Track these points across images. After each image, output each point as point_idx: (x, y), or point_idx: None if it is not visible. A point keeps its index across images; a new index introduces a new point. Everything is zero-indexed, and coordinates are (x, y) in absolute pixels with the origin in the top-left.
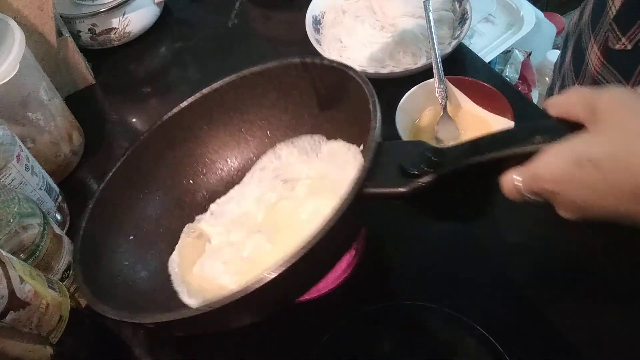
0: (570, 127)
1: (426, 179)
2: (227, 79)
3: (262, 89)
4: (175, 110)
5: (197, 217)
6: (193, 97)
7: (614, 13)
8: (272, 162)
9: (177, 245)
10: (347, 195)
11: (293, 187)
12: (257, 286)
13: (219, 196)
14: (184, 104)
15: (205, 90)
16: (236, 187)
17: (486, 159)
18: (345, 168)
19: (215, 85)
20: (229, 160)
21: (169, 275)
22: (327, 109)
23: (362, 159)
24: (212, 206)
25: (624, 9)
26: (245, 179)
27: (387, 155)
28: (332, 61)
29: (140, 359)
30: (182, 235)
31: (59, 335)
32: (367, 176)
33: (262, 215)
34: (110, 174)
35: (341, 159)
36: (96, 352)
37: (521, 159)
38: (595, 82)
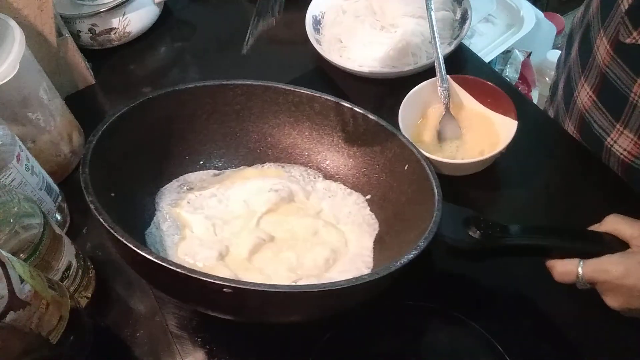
0: (617, 239)
1: (495, 244)
2: (247, 82)
3: (277, 108)
4: (185, 86)
5: (172, 201)
6: (207, 82)
7: (626, 7)
8: (256, 177)
9: (152, 221)
10: (427, 234)
11: (287, 204)
12: (299, 289)
13: (196, 188)
14: (199, 84)
15: (221, 82)
16: (217, 185)
17: (552, 245)
18: (343, 209)
19: (233, 82)
20: (212, 157)
21: (149, 250)
22: (335, 152)
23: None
24: (190, 195)
25: (637, 3)
26: (227, 181)
27: (449, 215)
28: (365, 114)
29: (140, 359)
30: (158, 214)
31: (59, 335)
32: (440, 222)
33: (255, 221)
34: (107, 125)
35: (340, 199)
36: (96, 352)
37: (575, 254)
38: (604, 75)
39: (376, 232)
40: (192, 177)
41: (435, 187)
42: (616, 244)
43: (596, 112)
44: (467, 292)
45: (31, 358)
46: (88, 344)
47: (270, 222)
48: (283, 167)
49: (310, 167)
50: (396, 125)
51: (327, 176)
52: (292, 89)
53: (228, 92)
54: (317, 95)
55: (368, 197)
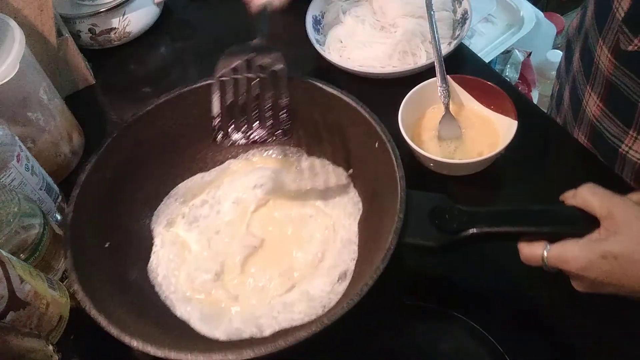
0: (586, 217)
1: (457, 237)
2: (207, 81)
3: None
4: (147, 108)
5: (166, 221)
6: (168, 95)
7: (622, 14)
8: (245, 168)
9: (152, 252)
10: (389, 245)
11: (274, 196)
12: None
13: (187, 198)
14: (159, 101)
15: (180, 91)
16: (207, 189)
17: (515, 230)
18: (329, 187)
19: (191, 87)
20: (197, 160)
21: (153, 286)
22: (312, 127)
23: (397, 207)
24: (183, 209)
25: (633, 10)
26: (216, 182)
27: (416, 207)
28: (326, 88)
29: (140, 359)
30: (156, 241)
31: (59, 335)
32: (403, 226)
33: (245, 225)
34: (84, 178)
35: (323, 177)
36: (96, 352)
37: (543, 236)
38: (610, 83)
39: (360, 212)
40: (182, 188)
41: (399, 187)
42: (585, 224)
43: (606, 120)
44: (466, 292)
45: (31, 358)
46: (88, 344)
47: (260, 220)
48: (267, 150)
49: (292, 145)
50: (396, 125)
51: (310, 152)
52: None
53: (190, 97)
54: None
55: (350, 171)
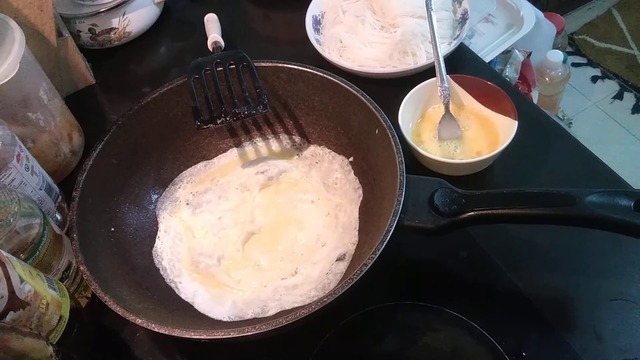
0: (581, 199)
1: (455, 219)
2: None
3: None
4: (150, 97)
5: (171, 207)
6: (170, 84)
7: None
8: (248, 156)
9: (157, 237)
10: (388, 227)
11: (277, 182)
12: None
13: (191, 184)
14: (162, 89)
15: (183, 78)
16: (211, 177)
17: (511, 212)
18: (330, 175)
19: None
20: (200, 148)
21: (157, 270)
22: (313, 116)
23: (396, 191)
24: (188, 196)
25: None
26: (219, 171)
27: (415, 191)
28: (327, 76)
29: (140, 359)
30: (161, 226)
31: (59, 335)
32: (402, 209)
33: (248, 211)
34: (90, 163)
35: (327, 164)
36: (96, 352)
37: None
38: None
39: (361, 198)
40: (187, 175)
41: (398, 171)
42: (579, 206)
43: None
44: (467, 292)
45: (31, 358)
46: (88, 344)
47: (263, 206)
48: (269, 139)
49: (294, 134)
50: (396, 125)
51: (312, 140)
52: (255, 64)
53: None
54: (280, 65)
55: (351, 159)
